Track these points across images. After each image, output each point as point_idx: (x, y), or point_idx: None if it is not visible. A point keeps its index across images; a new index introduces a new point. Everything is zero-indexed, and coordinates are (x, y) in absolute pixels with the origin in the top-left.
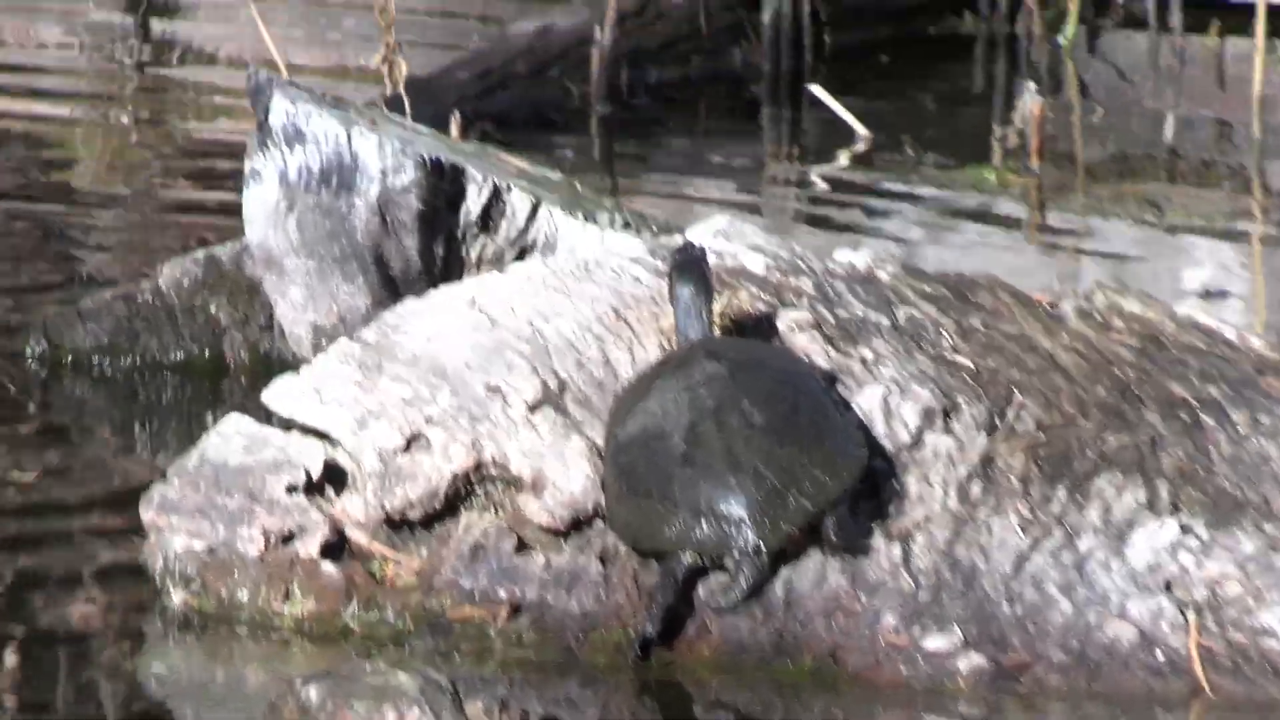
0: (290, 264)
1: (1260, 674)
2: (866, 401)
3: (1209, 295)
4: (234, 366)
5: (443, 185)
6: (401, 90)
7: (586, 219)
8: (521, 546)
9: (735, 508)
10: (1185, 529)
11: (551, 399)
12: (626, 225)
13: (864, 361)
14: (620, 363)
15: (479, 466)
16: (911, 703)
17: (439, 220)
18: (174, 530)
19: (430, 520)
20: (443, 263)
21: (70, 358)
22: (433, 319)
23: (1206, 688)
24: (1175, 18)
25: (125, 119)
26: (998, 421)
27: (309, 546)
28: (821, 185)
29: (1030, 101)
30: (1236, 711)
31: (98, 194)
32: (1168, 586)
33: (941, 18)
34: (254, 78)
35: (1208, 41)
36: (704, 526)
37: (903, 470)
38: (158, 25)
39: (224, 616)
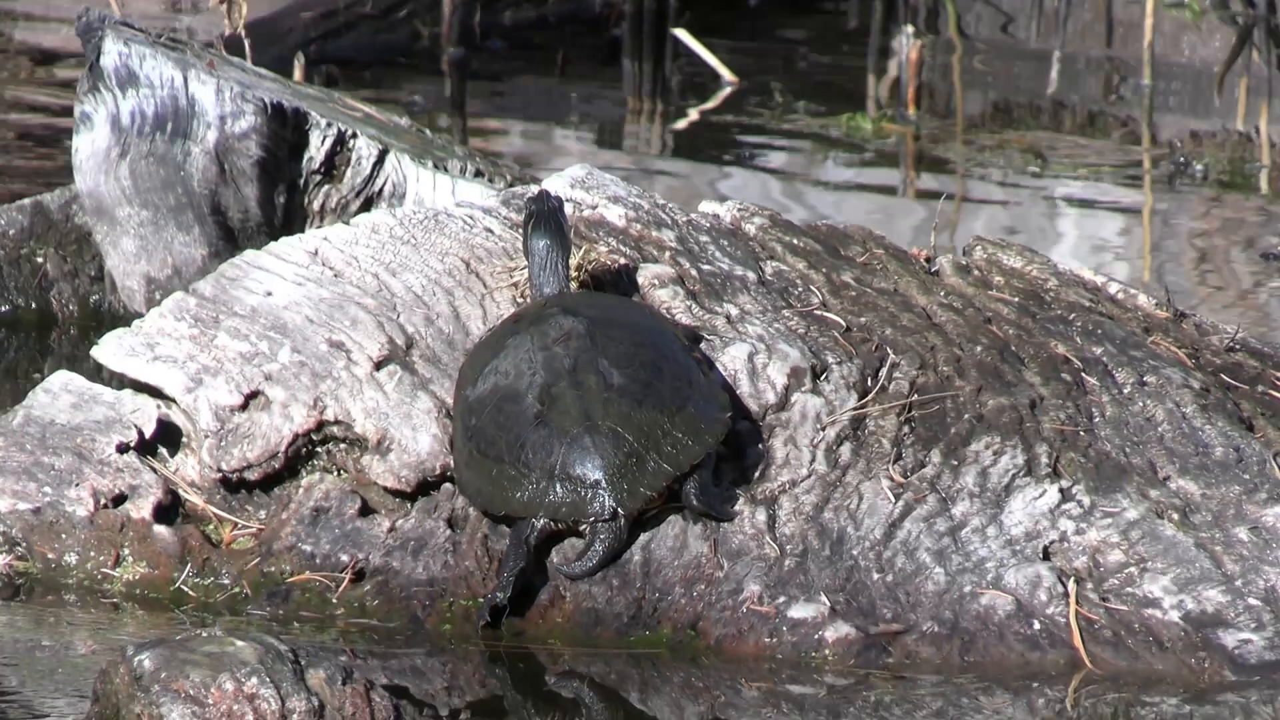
0: (122, 213)
1: (1143, 646)
2: (731, 360)
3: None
4: (62, 320)
5: (284, 132)
6: (241, 31)
7: (437, 167)
8: (365, 510)
9: (591, 471)
10: (1065, 494)
11: (398, 356)
12: (479, 174)
13: (729, 318)
14: (471, 319)
15: (321, 426)
16: (776, 674)
17: (280, 168)
18: None
19: (270, 482)
20: (284, 213)
21: None
22: (273, 272)
23: (1086, 660)
24: None
25: None
26: (869, 382)
27: (141, 508)
28: (686, 133)
29: (907, 45)
30: (1117, 685)
31: None
32: (1046, 554)
33: None
34: (85, 15)
35: None
36: (558, 490)
37: (769, 432)
38: None
39: (51, 581)
